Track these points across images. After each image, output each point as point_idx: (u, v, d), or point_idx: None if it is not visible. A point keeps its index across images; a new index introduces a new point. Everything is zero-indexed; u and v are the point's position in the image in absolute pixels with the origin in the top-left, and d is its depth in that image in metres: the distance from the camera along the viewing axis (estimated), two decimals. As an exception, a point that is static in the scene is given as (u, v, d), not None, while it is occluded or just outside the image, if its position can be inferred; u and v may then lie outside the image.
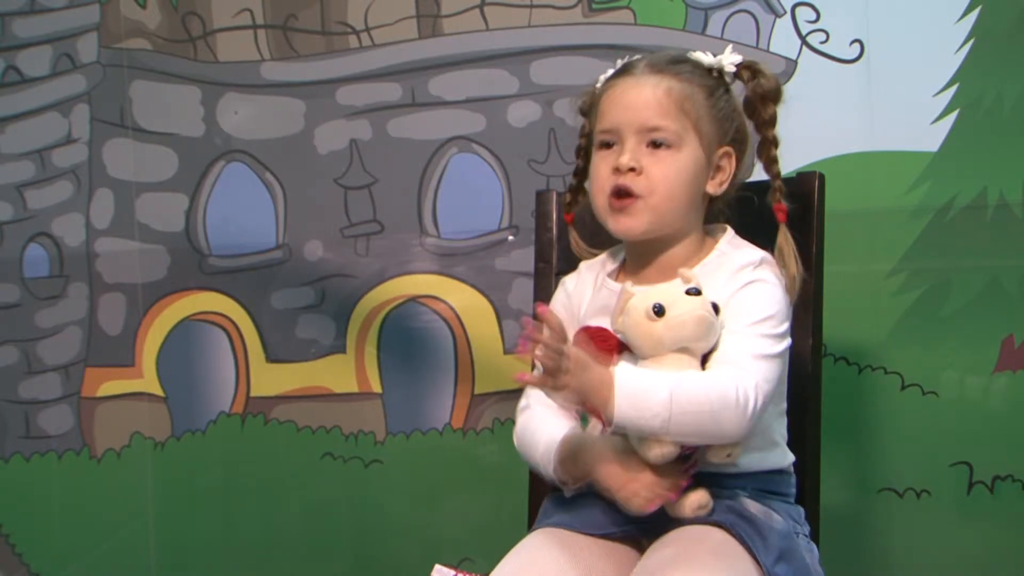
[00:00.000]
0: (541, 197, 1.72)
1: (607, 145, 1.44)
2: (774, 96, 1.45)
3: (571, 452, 1.39)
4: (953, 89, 1.94)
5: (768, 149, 1.45)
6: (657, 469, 1.32)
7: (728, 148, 1.44)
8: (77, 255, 2.28)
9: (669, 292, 1.34)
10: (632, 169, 1.39)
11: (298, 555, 2.22)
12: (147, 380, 2.27)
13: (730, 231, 1.47)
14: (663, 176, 1.40)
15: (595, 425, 1.39)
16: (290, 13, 2.20)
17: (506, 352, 2.13)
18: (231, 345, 2.24)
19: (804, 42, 2.00)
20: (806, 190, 1.54)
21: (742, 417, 1.29)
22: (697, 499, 1.35)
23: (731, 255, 1.43)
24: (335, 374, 2.20)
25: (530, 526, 1.53)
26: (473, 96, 2.14)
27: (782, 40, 2.00)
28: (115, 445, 2.28)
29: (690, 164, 1.41)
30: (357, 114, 2.18)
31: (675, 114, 1.40)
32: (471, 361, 2.15)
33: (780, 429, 1.46)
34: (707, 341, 1.34)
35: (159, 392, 2.27)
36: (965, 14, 1.94)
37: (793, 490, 1.47)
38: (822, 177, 1.57)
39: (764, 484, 1.42)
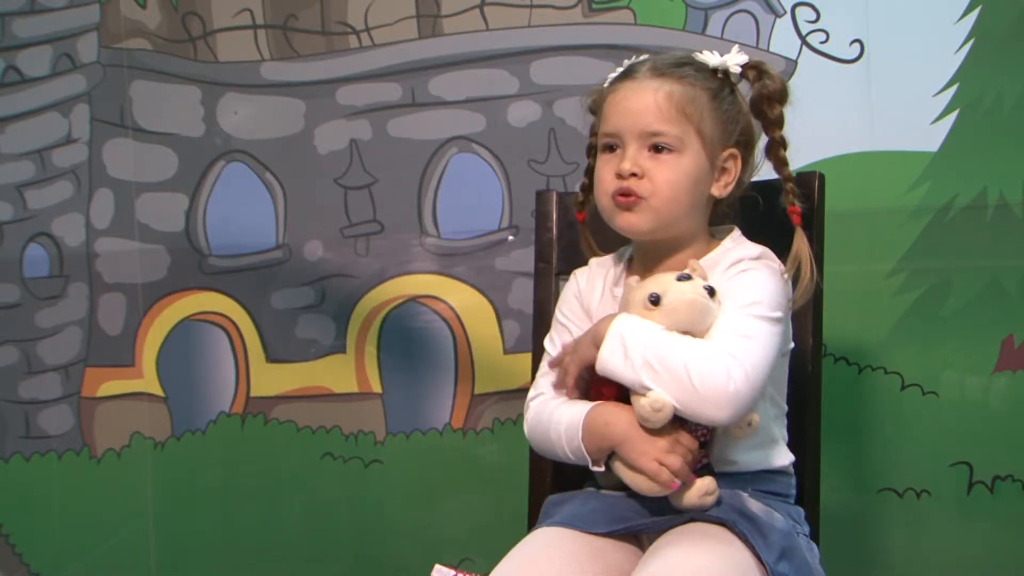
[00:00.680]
0: (541, 197, 1.72)
1: (611, 148, 1.44)
2: (780, 97, 1.45)
3: (599, 425, 1.38)
4: (953, 89, 1.94)
5: (776, 150, 1.46)
6: (676, 448, 1.33)
7: (733, 150, 1.44)
8: (77, 255, 2.28)
9: (662, 281, 1.37)
10: (634, 174, 1.40)
11: (298, 555, 2.22)
12: (147, 380, 2.27)
13: (736, 231, 1.48)
14: (665, 180, 1.40)
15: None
16: (290, 13, 2.20)
17: (506, 352, 2.13)
18: (231, 345, 2.24)
19: (804, 42, 2.00)
20: (806, 190, 1.53)
21: (724, 387, 1.29)
22: (704, 486, 1.36)
23: (732, 250, 1.44)
24: (335, 374, 2.20)
25: (530, 526, 1.53)
26: (473, 96, 2.14)
27: (782, 40, 2.00)
28: (115, 445, 2.28)
29: (692, 168, 1.41)
30: (357, 114, 2.18)
31: (676, 118, 1.40)
32: (471, 361, 2.15)
33: (780, 429, 1.46)
34: (704, 324, 1.35)
35: (159, 392, 2.27)
36: (965, 14, 1.94)
37: (793, 491, 1.47)
38: (822, 177, 1.57)
39: (764, 484, 1.42)
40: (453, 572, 1.35)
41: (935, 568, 1.97)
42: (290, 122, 2.21)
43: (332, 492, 2.21)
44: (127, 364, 2.27)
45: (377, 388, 2.19)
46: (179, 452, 2.26)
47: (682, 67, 1.43)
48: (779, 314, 1.37)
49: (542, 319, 1.63)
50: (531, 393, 1.51)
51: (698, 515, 1.36)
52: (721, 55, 1.45)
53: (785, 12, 2.01)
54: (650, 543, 1.38)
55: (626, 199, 1.41)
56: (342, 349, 2.20)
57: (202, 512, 2.27)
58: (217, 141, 2.24)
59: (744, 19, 2.02)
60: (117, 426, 2.28)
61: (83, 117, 2.28)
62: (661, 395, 1.30)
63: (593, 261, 1.55)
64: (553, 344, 1.52)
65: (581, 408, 1.40)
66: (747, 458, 1.40)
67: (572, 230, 1.66)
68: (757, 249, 1.43)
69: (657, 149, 1.41)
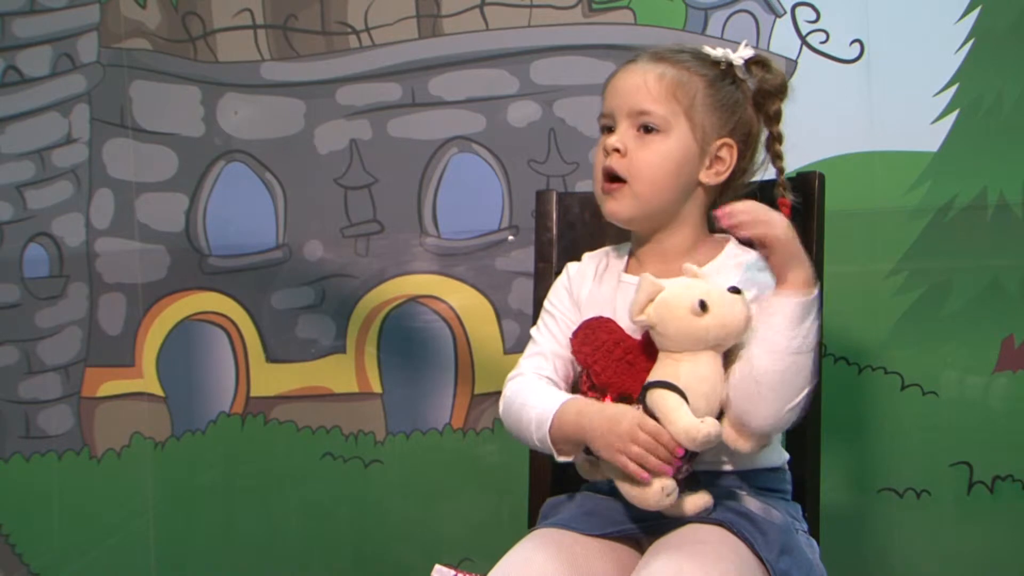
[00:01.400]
0: (541, 197, 1.72)
1: (608, 130, 1.45)
2: (779, 92, 1.45)
3: (570, 416, 1.36)
4: (953, 89, 1.94)
5: (773, 144, 1.47)
6: (639, 438, 1.30)
7: (728, 140, 1.44)
8: (77, 255, 2.28)
9: (701, 287, 1.33)
10: (617, 150, 1.41)
11: (298, 555, 2.22)
12: (147, 380, 2.27)
13: (732, 243, 1.46)
14: (646, 162, 1.41)
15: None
16: (290, 13, 2.20)
17: (506, 352, 2.13)
18: (231, 345, 2.24)
19: (804, 42, 2.00)
20: (806, 190, 1.53)
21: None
22: (700, 501, 1.35)
23: (741, 256, 1.43)
24: (335, 374, 2.20)
25: (530, 526, 1.53)
26: (473, 96, 2.14)
27: (782, 40, 2.00)
28: (115, 445, 2.28)
29: (676, 150, 1.42)
30: (357, 114, 2.18)
31: (665, 99, 1.41)
32: (471, 361, 2.15)
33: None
34: (743, 339, 1.34)
35: (159, 392, 2.27)
36: (965, 14, 1.94)
37: (789, 487, 1.47)
38: (822, 177, 1.57)
39: (760, 482, 1.42)
40: (453, 572, 1.35)
41: (935, 568, 1.97)
42: (290, 122, 2.21)
43: (332, 492, 2.21)
44: (127, 364, 2.27)
45: (377, 388, 2.19)
46: (179, 452, 2.26)
47: (681, 53, 1.45)
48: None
49: (542, 319, 1.63)
50: (511, 373, 1.49)
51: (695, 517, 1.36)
52: (732, 50, 1.46)
53: (785, 12, 2.01)
54: (648, 545, 1.38)
55: (611, 186, 1.42)
56: (342, 349, 2.20)
57: (202, 512, 2.27)
58: (217, 141, 2.24)
59: (744, 19, 2.02)
60: (117, 426, 2.28)
61: (83, 117, 2.28)
62: (670, 483, 1.31)
63: (586, 255, 1.55)
64: (539, 331, 1.51)
65: (556, 398, 1.39)
66: (742, 456, 1.40)
67: (572, 230, 1.66)
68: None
69: (646, 130, 1.42)
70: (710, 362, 1.33)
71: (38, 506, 2.30)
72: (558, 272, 1.63)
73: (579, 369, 1.44)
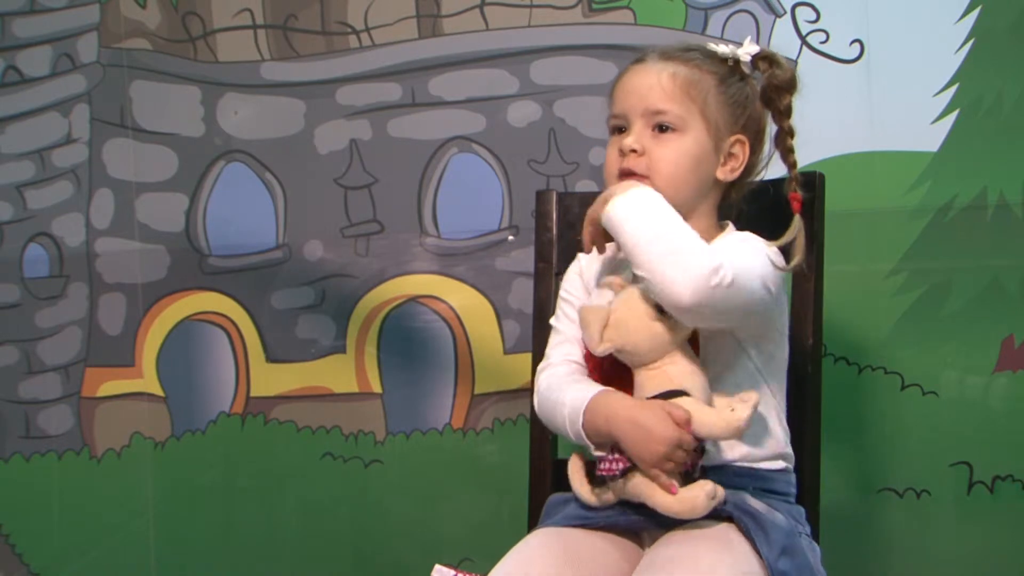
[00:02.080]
0: (541, 197, 1.72)
1: (619, 130, 1.46)
2: (789, 86, 1.45)
3: (599, 419, 1.37)
4: (953, 89, 1.94)
5: (784, 139, 1.47)
6: (676, 455, 1.32)
7: (741, 136, 1.45)
8: (77, 255, 2.28)
9: (633, 294, 1.36)
10: (634, 151, 1.41)
11: (298, 555, 2.22)
12: (147, 380, 2.27)
13: (731, 226, 1.48)
14: (666, 160, 1.41)
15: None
16: (290, 13, 2.20)
17: (506, 352, 2.13)
18: (231, 345, 2.24)
19: (804, 42, 2.00)
20: (806, 190, 1.53)
21: (703, 274, 1.27)
22: (711, 490, 1.35)
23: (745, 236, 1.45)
24: (335, 374, 2.20)
25: (530, 526, 1.53)
26: (473, 96, 2.14)
27: (782, 40, 2.00)
28: (115, 445, 2.28)
29: (694, 148, 1.42)
30: (357, 114, 2.18)
31: (680, 98, 1.42)
32: (471, 361, 2.15)
33: (781, 426, 1.46)
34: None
35: (159, 392, 2.27)
36: (965, 14, 1.94)
37: (794, 490, 1.47)
38: (822, 177, 1.57)
39: (765, 483, 1.43)
40: (453, 572, 1.35)
41: (935, 568, 1.97)
42: (290, 122, 2.21)
43: (332, 492, 2.21)
44: (127, 364, 2.27)
45: (377, 388, 2.19)
46: (179, 452, 2.26)
47: (689, 51, 1.46)
48: (770, 270, 1.37)
49: (542, 319, 1.63)
50: (540, 365, 1.51)
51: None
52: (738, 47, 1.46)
53: (785, 12, 2.01)
54: (651, 540, 1.38)
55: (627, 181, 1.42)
56: (342, 349, 2.20)
57: (202, 512, 2.27)
58: (217, 141, 2.24)
59: (744, 19, 2.02)
60: (117, 426, 2.27)
61: (83, 117, 2.28)
62: (716, 487, 1.32)
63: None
64: (559, 320, 1.53)
65: (585, 392, 1.40)
66: (748, 452, 1.40)
67: (572, 230, 1.66)
68: (743, 233, 1.45)
69: (661, 129, 1.42)
70: (683, 357, 1.35)
71: (38, 506, 2.30)
72: (558, 272, 1.64)
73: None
